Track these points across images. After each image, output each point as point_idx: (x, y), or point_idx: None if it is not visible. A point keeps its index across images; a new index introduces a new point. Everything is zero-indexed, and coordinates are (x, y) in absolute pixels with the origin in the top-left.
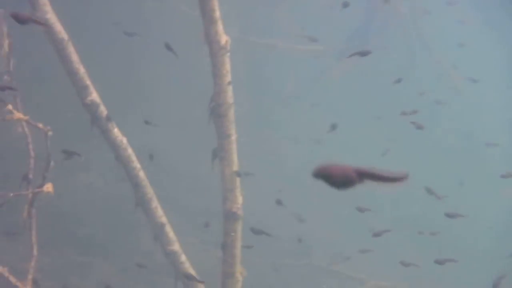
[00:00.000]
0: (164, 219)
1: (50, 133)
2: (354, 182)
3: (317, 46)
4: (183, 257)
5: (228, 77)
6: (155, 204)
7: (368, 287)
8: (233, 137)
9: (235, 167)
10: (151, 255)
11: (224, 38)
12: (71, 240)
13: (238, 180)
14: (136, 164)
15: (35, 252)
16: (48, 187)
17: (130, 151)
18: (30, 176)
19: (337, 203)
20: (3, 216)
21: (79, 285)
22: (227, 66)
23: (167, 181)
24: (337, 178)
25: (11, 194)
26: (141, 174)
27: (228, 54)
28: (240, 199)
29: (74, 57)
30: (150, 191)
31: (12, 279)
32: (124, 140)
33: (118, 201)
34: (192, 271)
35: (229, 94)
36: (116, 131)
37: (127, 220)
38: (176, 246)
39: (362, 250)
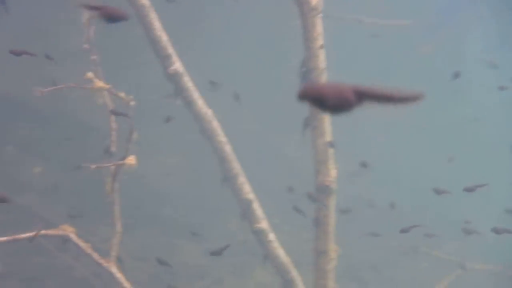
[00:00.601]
0: (251, 196)
1: (132, 103)
2: (351, 104)
3: (405, 20)
4: (271, 236)
5: (320, 40)
6: (242, 179)
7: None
8: None
9: (328, 138)
10: (236, 237)
11: None
12: (155, 221)
13: (331, 151)
14: (222, 138)
15: (118, 228)
16: (131, 160)
17: (215, 123)
18: (113, 149)
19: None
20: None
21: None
22: (319, 28)
23: (251, 161)
24: (330, 100)
25: (93, 166)
26: (227, 148)
27: (320, 15)
28: (333, 172)
29: (156, 24)
30: (236, 166)
31: (96, 256)
32: (209, 112)
33: (202, 182)
34: (280, 251)
35: (321, 59)
36: (200, 102)
37: (212, 202)
38: (264, 224)
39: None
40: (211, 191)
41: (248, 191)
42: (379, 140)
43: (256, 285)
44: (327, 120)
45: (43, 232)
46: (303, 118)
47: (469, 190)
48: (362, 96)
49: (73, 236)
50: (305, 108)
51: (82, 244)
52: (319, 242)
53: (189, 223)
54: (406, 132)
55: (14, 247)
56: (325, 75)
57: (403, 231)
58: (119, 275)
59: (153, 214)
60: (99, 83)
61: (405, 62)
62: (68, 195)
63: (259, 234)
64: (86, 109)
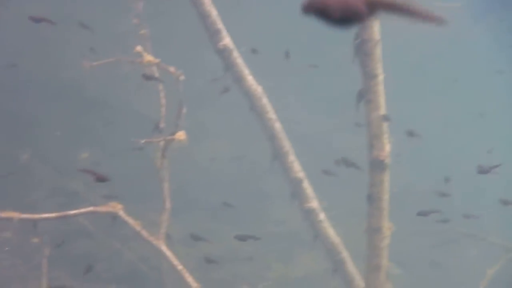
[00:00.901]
0: (301, 175)
1: (182, 77)
2: (361, 15)
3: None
4: (321, 215)
5: None
6: (292, 158)
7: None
8: (380, 77)
9: (383, 111)
10: (283, 224)
11: None
12: (201, 207)
13: (385, 125)
14: (272, 115)
15: (167, 205)
16: (181, 135)
17: (265, 100)
18: (162, 125)
19: None
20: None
21: (209, 251)
22: None
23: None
24: (337, 11)
25: (143, 141)
26: (277, 125)
27: None
28: (387, 147)
29: None
30: (286, 144)
31: (145, 233)
32: (259, 89)
33: (248, 168)
34: (331, 231)
35: (376, 30)
36: (250, 79)
37: (258, 188)
38: (314, 203)
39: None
40: (258, 177)
41: (298, 169)
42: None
43: (302, 272)
44: (382, 93)
45: (92, 209)
46: (357, 91)
47: (483, 172)
48: (374, 5)
49: (122, 213)
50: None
51: (131, 221)
52: (372, 219)
53: (236, 208)
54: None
55: (62, 231)
56: (379, 48)
57: (421, 214)
58: (168, 252)
59: (199, 199)
60: (148, 57)
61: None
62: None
63: (309, 214)
64: (135, 95)
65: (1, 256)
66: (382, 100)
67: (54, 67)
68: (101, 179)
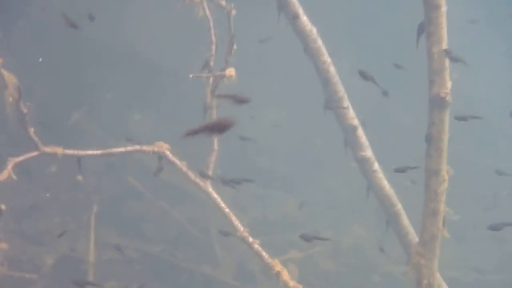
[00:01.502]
0: (356, 122)
1: (233, 12)
2: None
3: None
4: (376, 165)
5: None
6: (346, 103)
7: None
8: (443, 9)
9: (444, 45)
10: (334, 191)
11: None
12: (253, 173)
13: (447, 60)
14: (327, 58)
15: (215, 146)
16: (230, 71)
17: (320, 42)
18: (211, 63)
19: None
20: None
21: (261, 217)
22: None
23: None
24: None
25: (191, 76)
26: (332, 69)
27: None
28: (449, 83)
29: None
30: (340, 89)
31: (191, 174)
32: (314, 30)
33: (302, 135)
34: (385, 182)
35: None
36: (305, 19)
37: (310, 156)
38: (368, 152)
39: None
40: (311, 145)
41: (352, 116)
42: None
43: (352, 240)
44: (444, 25)
45: (138, 147)
46: (418, 23)
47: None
48: None
49: (168, 153)
50: None
51: (177, 161)
52: (431, 161)
53: (287, 175)
54: None
55: (112, 192)
56: None
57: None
58: (215, 195)
59: (251, 165)
60: None
61: None
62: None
63: (363, 163)
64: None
65: (51, 213)
66: (444, 33)
67: (112, 32)
68: (241, 100)
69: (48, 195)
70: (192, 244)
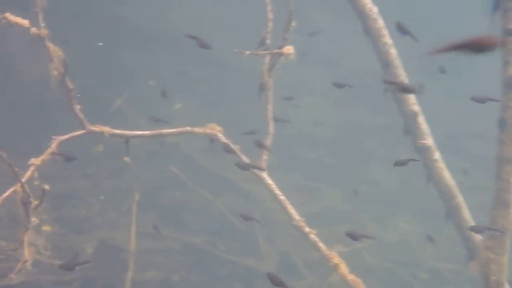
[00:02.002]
0: (416, 108)
1: None
2: None
3: None
4: (436, 154)
5: None
6: None
7: None
8: None
9: None
10: (379, 185)
11: None
12: (297, 164)
13: None
14: (388, 39)
15: (271, 129)
16: (289, 49)
17: (381, 23)
18: (267, 40)
19: None
20: None
21: (304, 208)
22: None
23: None
24: None
25: (247, 53)
26: (393, 51)
27: None
28: None
29: None
30: (401, 72)
31: (244, 158)
32: (375, 9)
33: (349, 127)
34: (446, 173)
35: None
36: None
37: (357, 148)
38: (429, 141)
39: None
40: (357, 137)
41: (413, 102)
42: None
43: (397, 235)
44: None
45: (189, 129)
46: None
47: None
48: None
49: (220, 136)
50: None
51: (230, 144)
52: (504, 148)
53: (331, 167)
54: None
55: (154, 180)
56: None
57: None
58: (269, 181)
59: (297, 157)
60: None
61: None
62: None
63: (424, 152)
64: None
65: (91, 201)
66: None
67: (155, 18)
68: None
69: (101, 197)
70: (234, 235)
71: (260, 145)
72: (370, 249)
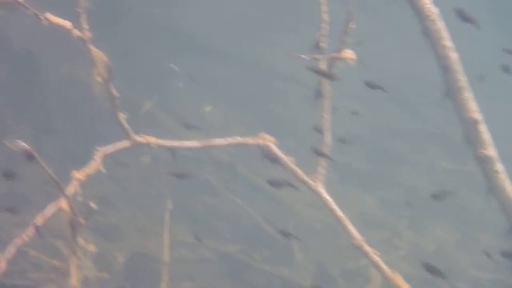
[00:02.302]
0: (477, 115)
1: None
2: None
3: None
4: (498, 165)
5: None
6: (467, 94)
7: None
8: None
9: None
10: (413, 190)
11: None
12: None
13: None
14: (448, 42)
15: (327, 139)
16: (349, 53)
17: (440, 24)
18: (323, 44)
19: None
20: None
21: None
22: None
23: None
24: None
25: (304, 57)
26: (453, 55)
27: None
28: None
29: None
30: (462, 78)
31: (299, 172)
32: (435, 10)
33: (380, 130)
34: (508, 185)
35: None
36: None
37: (391, 152)
38: (491, 151)
39: None
40: (390, 139)
41: (473, 109)
42: None
43: (434, 242)
44: None
45: (240, 139)
46: None
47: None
48: None
49: (273, 146)
50: None
51: (283, 156)
52: None
53: (364, 171)
54: None
55: (185, 187)
56: None
57: None
58: (326, 196)
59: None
60: None
61: None
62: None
63: (484, 162)
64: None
65: (121, 207)
66: None
67: (181, 18)
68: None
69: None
70: (269, 244)
71: (322, 154)
72: (407, 258)
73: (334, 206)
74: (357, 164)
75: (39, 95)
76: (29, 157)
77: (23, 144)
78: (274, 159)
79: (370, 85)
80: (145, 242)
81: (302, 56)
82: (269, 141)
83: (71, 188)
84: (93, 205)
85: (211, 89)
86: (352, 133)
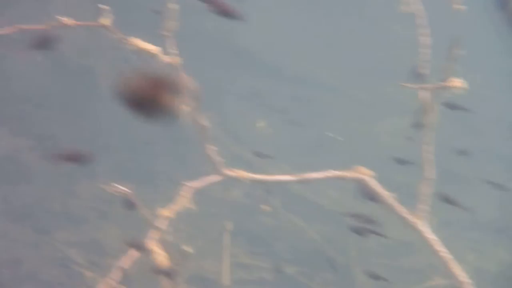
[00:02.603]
0: None
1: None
2: None
3: None
4: None
5: None
6: None
7: None
8: None
9: None
10: (474, 210)
11: None
12: (389, 189)
13: None
14: None
15: (429, 173)
16: (457, 83)
17: None
18: (424, 71)
19: None
20: None
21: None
22: None
23: None
24: None
25: (403, 84)
26: None
27: None
28: None
29: None
30: None
31: (399, 207)
32: None
33: (440, 149)
34: None
35: None
36: None
37: (447, 170)
38: None
39: None
40: (448, 158)
41: None
42: None
43: (498, 265)
44: None
45: (337, 173)
46: None
47: None
48: None
49: (371, 181)
50: None
51: (383, 191)
52: None
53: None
54: None
55: (242, 206)
56: None
57: None
58: (432, 235)
59: (387, 179)
60: None
61: None
62: (292, 152)
63: None
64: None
65: (180, 227)
66: None
67: (232, 33)
68: None
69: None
70: (329, 266)
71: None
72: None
73: (439, 246)
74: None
75: (94, 112)
76: (129, 204)
77: (123, 189)
78: (371, 195)
79: (451, 106)
80: (203, 263)
81: (408, 85)
82: (367, 175)
83: (161, 227)
84: (187, 249)
85: (266, 106)
86: (410, 151)
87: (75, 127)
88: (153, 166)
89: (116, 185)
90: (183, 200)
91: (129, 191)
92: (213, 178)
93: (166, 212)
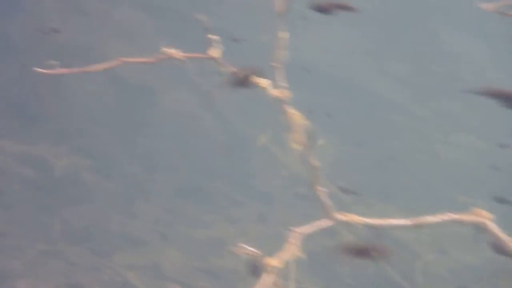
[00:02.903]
0: None
1: None
2: None
3: None
4: None
5: None
6: None
7: None
8: None
9: None
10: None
11: None
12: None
13: None
14: None
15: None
16: None
17: None
18: None
19: None
20: None
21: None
22: None
23: None
24: None
25: None
26: None
27: None
28: None
29: None
30: None
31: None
32: None
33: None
34: None
35: None
36: None
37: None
38: None
39: None
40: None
41: None
42: None
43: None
44: None
45: (455, 217)
46: None
47: None
48: None
49: (490, 225)
50: None
51: (504, 236)
52: None
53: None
54: None
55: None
56: None
57: None
58: None
59: (452, 201)
60: None
61: None
62: (351, 172)
63: None
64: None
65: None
66: None
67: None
68: None
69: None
70: None
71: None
72: None
73: None
74: (483, 206)
75: (149, 130)
76: (255, 269)
77: (251, 250)
78: (493, 241)
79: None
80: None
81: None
82: (486, 218)
83: (267, 280)
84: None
85: (325, 122)
86: (476, 172)
87: (134, 146)
88: (212, 186)
89: (245, 246)
90: (292, 247)
91: (258, 252)
92: (323, 223)
93: (276, 262)
